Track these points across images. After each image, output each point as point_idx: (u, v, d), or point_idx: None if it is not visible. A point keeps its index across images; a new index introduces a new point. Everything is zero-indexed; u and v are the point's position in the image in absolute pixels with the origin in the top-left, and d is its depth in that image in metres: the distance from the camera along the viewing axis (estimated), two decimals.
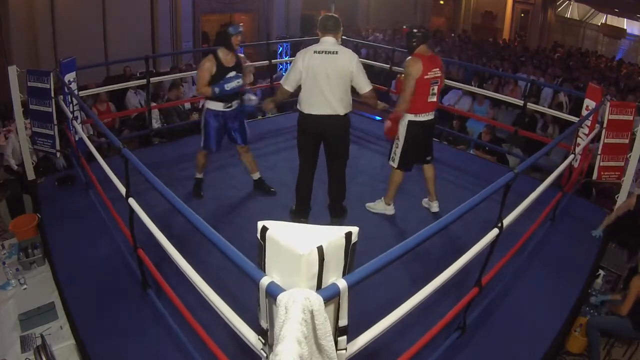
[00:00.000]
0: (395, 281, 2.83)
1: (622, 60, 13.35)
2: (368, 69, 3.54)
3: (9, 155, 5.28)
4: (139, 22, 10.57)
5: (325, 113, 3.33)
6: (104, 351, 2.53)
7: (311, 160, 3.56)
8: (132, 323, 2.71)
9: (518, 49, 13.72)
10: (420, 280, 2.03)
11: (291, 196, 3.78)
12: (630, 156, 4.09)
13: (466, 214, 1.96)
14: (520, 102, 5.11)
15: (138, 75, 8.24)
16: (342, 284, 1.34)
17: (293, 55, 10.27)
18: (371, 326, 1.70)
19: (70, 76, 4.33)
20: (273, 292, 1.29)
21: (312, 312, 1.19)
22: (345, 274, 1.40)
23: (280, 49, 10.68)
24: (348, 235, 1.37)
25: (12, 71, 4.03)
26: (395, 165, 3.70)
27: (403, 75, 3.75)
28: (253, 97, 3.88)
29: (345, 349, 1.44)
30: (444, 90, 7.27)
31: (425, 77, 3.43)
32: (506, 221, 2.36)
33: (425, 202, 4.03)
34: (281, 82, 3.43)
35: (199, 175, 4.09)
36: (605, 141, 4.15)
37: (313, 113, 3.34)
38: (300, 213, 3.69)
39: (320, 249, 1.27)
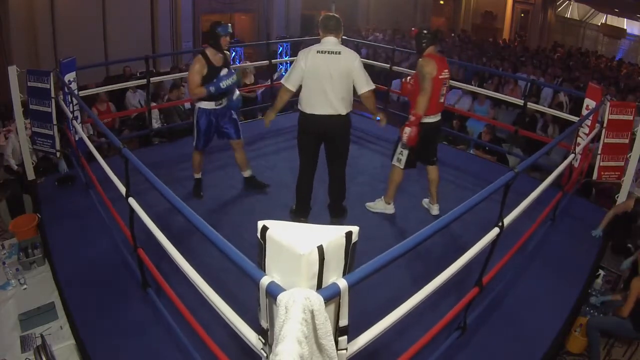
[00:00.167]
0: (396, 281, 2.83)
1: (622, 60, 13.36)
2: (368, 69, 3.53)
3: (9, 155, 5.27)
4: (139, 22, 10.58)
5: (327, 113, 3.32)
6: (104, 351, 2.53)
7: (312, 160, 3.56)
8: (132, 323, 2.71)
9: (518, 49, 13.72)
10: (420, 280, 2.03)
11: (291, 196, 3.78)
12: (630, 156, 4.09)
13: (466, 213, 1.96)
14: (521, 102, 5.11)
15: (138, 75, 8.24)
16: (343, 283, 1.34)
17: (293, 55, 10.27)
18: (371, 326, 1.70)
19: (70, 76, 4.33)
20: (273, 292, 1.29)
21: (312, 312, 1.19)
22: (345, 273, 1.40)
23: (280, 49, 10.66)
24: (348, 234, 1.37)
25: (12, 71, 4.03)
26: (401, 165, 3.69)
27: (409, 78, 3.71)
28: (237, 93, 3.90)
29: (346, 348, 1.44)
30: None
31: (440, 76, 3.43)
32: (506, 221, 2.36)
33: (425, 202, 4.03)
34: (282, 81, 3.42)
35: (197, 176, 4.09)
36: (605, 141, 4.16)
37: (315, 113, 3.34)
38: (301, 213, 3.69)
39: (320, 249, 1.27)
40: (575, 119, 4.67)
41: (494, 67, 10.07)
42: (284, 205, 3.87)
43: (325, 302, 1.23)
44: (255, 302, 1.43)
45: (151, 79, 5.21)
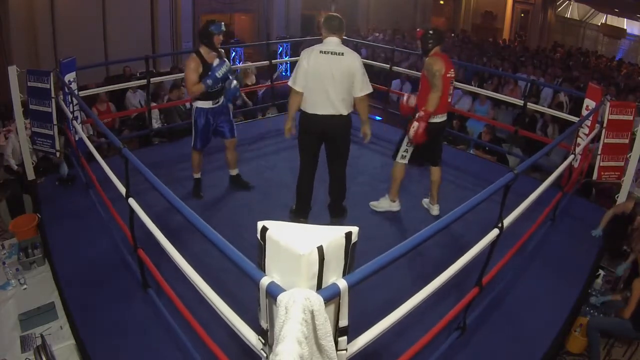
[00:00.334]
0: (395, 281, 2.83)
1: (622, 60, 13.35)
2: (368, 69, 3.53)
3: (9, 155, 5.27)
4: (139, 22, 10.58)
5: (328, 113, 3.32)
6: (104, 351, 2.53)
7: (312, 160, 3.56)
8: (132, 323, 2.71)
9: (518, 49, 13.72)
10: (420, 281, 2.03)
11: (291, 196, 3.78)
12: (630, 156, 4.09)
13: (466, 214, 1.96)
14: (520, 102, 5.11)
15: (138, 75, 8.25)
16: (343, 284, 1.34)
17: (293, 55, 10.28)
18: (371, 326, 1.70)
19: (70, 76, 4.33)
20: (273, 292, 1.29)
21: (312, 312, 1.19)
22: (345, 274, 1.40)
23: (280, 49, 10.68)
24: (348, 235, 1.37)
25: (12, 71, 4.03)
26: (405, 161, 3.69)
27: (406, 96, 3.69)
28: (235, 82, 3.89)
29: (346, 349, 1.44)
30: None
31: (448, 75, 3.44)
32: (506, 221, 2.36)
33: (425, 203, 4.03)
34: (290, 84, 3.37)
35: (196, 176, 4.09)
36: (605, 141, 4.16)
37: (316, 113, 3.33)
38: (301, 213, 3.69)
39: (320, 249, 1.27)
40: (575, 119, 4.67)
41: (494, 67, 10.06)
42: (284, 205, 3.87)
43: (325, 303, 1.23)
44: (255, 302, 1.43)
45: (151, 79, 5.21)
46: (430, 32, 3.53)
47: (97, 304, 2.87)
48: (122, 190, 2.60)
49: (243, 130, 5.47)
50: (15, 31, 8.75)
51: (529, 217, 3.01)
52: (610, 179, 4.28)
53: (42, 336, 2.63)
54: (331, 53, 3.24)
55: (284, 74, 9.56)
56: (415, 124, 3.45)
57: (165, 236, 2.26)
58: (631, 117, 4.12)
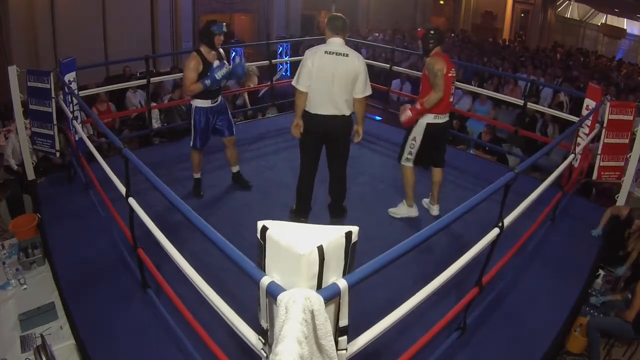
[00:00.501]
0: (395, 281, 2.83)
1: (622, 60, 13.35)
2: (368, 69, 3.53)
3: (9, 155, 5.28)
4: (139, 22, 10.57)
5: (331, 113, 3.33)
6: (104, 351, 2.53)
7: (313, 160, 3.56)
8: (132, 323, 2.71)
9: (518, 49, 13.72)
10: (420, 280, 2.03)
11: (291, 196, 3.78)
12: (630, 156, 4.09)
13: (466, 213, 1.96)
14: (521, 102, 5.11)
15: (138, 75, 8.24)
16: (343, 283, 1.34)
17: (293, 55, 10.26)
18: (371, 326, 1.70)
19: (70, 76, 4.33)
20: (273, 292, 1.29)
21: (312, 312, 1.19)
22: (345, 273, 1.40)
23: (280, 49, 10.65)
24: (348, 234, 1.37)
25: (12, 71, 4.03)
26: (410, 164, 3.68)
27: (407, 107, 3.70)
28: (242, 61, 3.88)
29: (346, 349, 1.44)
30: None
31: (449, 75, 3.44)
32: (507, 221, 2.36)
33: (425, 202, 4.02)
34: (293, 84, 3.35)
35: (197, 175, 4.09)
36: (605, 141, 4.15)
37: (319, 113, 3.33)
38: (301, 213, 3.69)
39: (320, 249, 1.27)
40: (575, 119, 4.67)
41: (493, 67, 10.06)
42: (284, 205, 3.87)
43: (325, 302, 1.23)
44: (255, 302, 1.43)
45: (151, 79, 5.21)
46: (431, 32, 3.53)
47: (97, 304, 2.87)
48: (122, 190, 2.60)
49: (243, 130, 5.47)
50: (15, 31, 8.74)
51: (529, 216, 3.00)
52: (610, 179, 4.28)
53: (42, 336, 2.63)
54: (336, 54, 3.24)
55: (284, 74, 9.55)
56: (409, 112, 3.48)
57: (165, 236, 2.26)
58: (631, 117, 4.11)
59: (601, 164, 4.21)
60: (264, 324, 1.44)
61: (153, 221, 2.37)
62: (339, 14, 3.39)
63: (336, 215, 3.72)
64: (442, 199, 3.95)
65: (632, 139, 4.10)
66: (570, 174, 4.08)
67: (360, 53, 3.47)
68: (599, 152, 4.19)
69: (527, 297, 3.05)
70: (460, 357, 2.55)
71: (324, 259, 1.28)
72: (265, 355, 1.50)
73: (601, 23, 16.40)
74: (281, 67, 10.14)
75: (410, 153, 3.66)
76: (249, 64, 5.86)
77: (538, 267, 3.35)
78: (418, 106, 3.46)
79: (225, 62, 3.78)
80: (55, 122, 4.28)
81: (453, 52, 10.95)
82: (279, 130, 5.55)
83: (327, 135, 3.43)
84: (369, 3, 16.00)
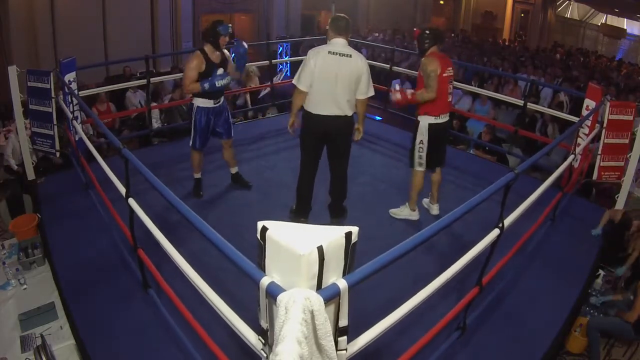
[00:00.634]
0: (396, 281, 2.83)
1: (622, 60, 13.35)
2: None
3: (9, 155, 5.28)
4: (139, 22, 10.56)
5: (333, 114, 3.33)
6: (104, 351, 2.53)
7: (314, 160, 3.56)
8: (132, 323, 2.71)
9: (518, 49, 13.72)
10: (420, 281, 2.03)
11: (291, 196, 3.78)
12: (630, 156, 4.09)
13: (466, 214, 1.96)
14: (521, 102, 5.11)
15: (138, 75, 8.24)
16: (342, 284, 1.34)
17: (293, 55, 10.25)
18: (371, 326, 1.70)
19: (70, 76, 4.33)
20: (273, 292, 1.29)
21: (312, 312, 1.19)
22: (345, 274, 1.40)
23: (280, 49, 10.66)
24: (348, 235, 1.37)
25: (12, 71, 4.03)
26: (423, 168, 3.68)
27: (397, 87, 3.72)
28: (245, 45, 3.87)
29: (346, 349, 1.44)
30: None
31: (444, 75, 3.43)
32: (507, 221, 2.36)
33: (425, 202, 4.02)
34: (294, 82, 3.36)
35: (197, 175, 4.09)
36: (605, 141, 4.15)
37: (321, 113, 3.33)
38: (301, 213, 3.69)
39: (320, 249, 1.27)
40: (575, 119, 4.67)
41: (493, 67, 10.06)
42: (284, 205, 3.87)
43: (325, 303, 1.23)
44: (255, 302, 1.43)
45: (151, 79, 5.21)
46: (427, 31, 3.52)
47: (97, 304, 2.87)
48: (122, 190, 2.60)
49: (243, 130, 5.47)
50: (15, 31, 8.74)
51: (529, 217, 3.00)
52: (610, 179, 4.28)
53: (42, 336, 2.63)
54: (339, 54, 3.24)
55: (287, 74, 9.56)
56: (398, 95, 3.52)
57: (165, 236, 2.26)
58: (631, 117, 4.11)
59: (601, 164, 4.21)
60: (264, 324, 1.44)
61: (153, 221, 2.38)
62: (342, 15, 3.39)
63: (336, 216, 3.72)
64: (442, 199, 3.95)
65: (632, 139, 4.10)
66: (571, 174, 4.08)
67: (360, 53, 3.48)
68: (599, 152, 4.19)
69: (527, 297, 3.05)
70: (460, 357, 2.55)
71: (323, 259, 1.28)
72: (265, 355, 1.50)
73: (601, 23, 16.39)
74: (281, 67, 10.14)
75: (420, 157, 3.66)
76: (249, 64, 5.86)
77: (538, 267, 3.35)
78: (409, 95, 3.50)
79: (228, 74, 3.75)
80: (55, 122, 4.28)
81: (453, 52, 10.95)
82: (279, 130, 5.55)
83: (328, 136, 3.43)
84: (369, 3, 16.00)
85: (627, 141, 4.15)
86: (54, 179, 4.47)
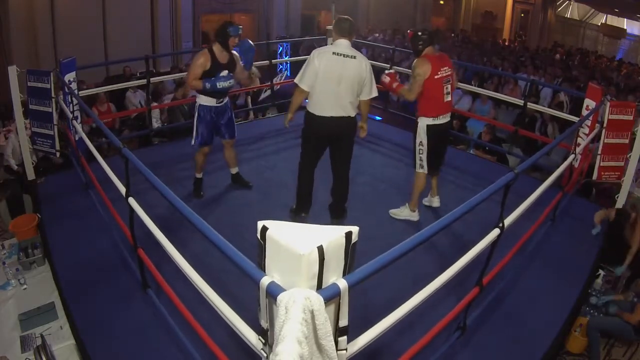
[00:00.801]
0: (396, 281, 2.83)
1: (622, 60, 13.35)
2: None
3: (9, 155, 5.28)
4: (139, 22, 10.57)
5: (337, 115, 3.33)
6: (104, 351, 2.53)
7: (314, 160, 3.57)
8: (132, 323, 2.71)
9: (518, 49, 13.72)
10: (420, 281, 2.03)
11: (291, 196, 3.79)
12: (630, 156, 4.09)
13: (467, 214, 1.96)
14: (521, 102, 5.11)
15: (138, 75, 8.24)
16: (343, 283, 1.33)
17: (293, 55, 10.26)
18: (371, 326, 1.70)
19: (70, 76, 4.33)
20: (273, 292, 1.29)
21: (312, 312, 1.19)
22: (345, 273, 1.40)
23: (280, 49, 10.68)
24: (348, 235, 1.37)
25: (12, 71, 4.03)
26: (424, 170, 3.68)
27: (388, 72, 3.76)
28: (250, 42, 3.87)
29: (346, 349, 1.44)
30: None
31: (436, 76, 3.42)
32: (507, 221, 2.36)
33: (426, 200, 4.03)
34: (296, 81, 3.36)
35: (198, 175, 4.09)
36: (605, 141, 4.15)
37: (325, 115, 3.33)
38: (302, 208, 3.70)
39: (320, 249, 1.27)
40: (575, 119, 4.67)
41: (493, 67, 10.06)
42: (284, 205, 3.87)
43: (325, 303, 1.23)
44: (255, 302, 1.43)
45: (151, 79, 5.21)
46: (419, 33, 3.50)
47: (97, 304, 2.87)
48: (122, 190, 2.60)
49: (243, 130, 5.46)
50: (15, 31, 8.74)
51: (529, 217, 3.00)
52: (610, 179, 4.28)
53: (42, 336, 2.63)
54: (344, 55, 3.25)
55: (289, 75, 9.56)
56: (387, 78, 3.63)
57: (165, 236, 2.26)
58: (631, 117, 4.11)
59: (601, 164, 4.20)
60: (264, 324, 1.44)
61: (153, 221, 2.37)
62: (346, 17, 3.40)
63: (337, 217, 3.72)
64: (442, 199, 3.97)
65: (632, 139, 4.10)
66: (571, 174, 4.08)
67: (361, 52, 3.49)
68: (599, 152, 4.19)
69: (527, 297, 3.05)
70: (460, 357, 2.55)
71: (324, 259, 1.28)
72: (265, 355, 1.50)
73: (601, 23, 16.39)
74: (281, 67, 10.14)
75: (421, 159, 3.66)
76: (253, 69, 5.87)
77: (538, 267, 3.35)
78: (395, 85, 3.59)
79: (232, 75, 3.74)
80: (55, 122, 4.28)
81: (453, 52, 10.95)
82: (279, 131, 5.55)
83: (332, 137, 3.44)
84: (369, 3, 16.00)
85: (627, 141, 4.15)
86: (54, 179, 4.47)
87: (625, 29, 15.71)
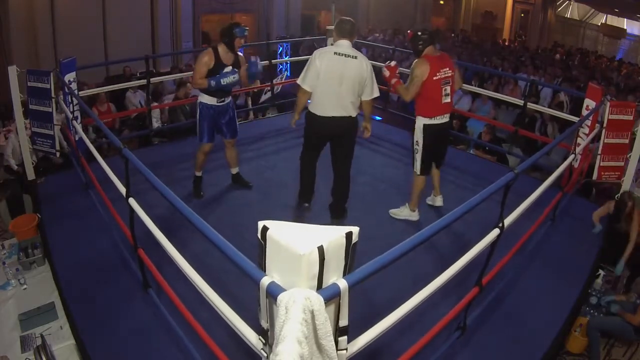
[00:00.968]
0: (396, 281, 2.83)
1: (622, 60, 13.35)
2: None
3: (9, 155, 5.28)
4: (139, 22, 10.57)
5: (338, 115, 3.34)
6: (104, 351, 2.53)
7: (315, 156, 3.61)
8: (132, 323, 2.71)
9: (518, 49, 13.72)
10: (420, 280, 2.03)
11: (291, 196, 3.79)
12: (630, 156, 4.09)
13: (467, 214, 1.96)
14: (521, 102, 5.11)
15: (138, 75, 8.25)
16: (343, 284, 1.34)
17: (293, 55, 10.25)
18: (371, 326, 1.70)
19: (70, 76, 4.33)
20: (273, 292, 1.29)
21: (312, 312, 1.19)
22: (345, 274, 1.40)
23: (280, 49, 10.67)
24: (348, 235, 1.37)
25: (12, 71, 4.03)
26: (418, 172, 3.68)
27: (389, 64, 3.75)
28: (255, 59, 3.88)
29: (346, 349, 1.44)
30: None
31: (435, 78, 3.40)
32: (507, 221, 2.36)
33: (429, 199, 4.03)
34: (299, 82, 3.38)
35: (198, 174, 4.09)
36: (605, 141, 4.15)
37: (326, 115, 3.34)
38: (303, 197, 3.74)
39: (320, 249, 1.27)
40: (575, 119, 4.67)
41: (493, 67, 10.06)
42: (284, 205, 3.87)
43: (325, 303, 1.23)
44: (256, 302, 1.43)
45: (151, 79, 5.21)
46: (419, 33, 3.48)
47: (97, 304, 2.87)
48: (122, 190, 2.60)
49: (243, 130, 5.43)
50: (15, 31, 8.74)
51: (529, 217, 3.00)
52: (610, 179, 4.28)
53: (42, 336, 2.63)
54: (345, 55, 3.27)
55: (289, 74, 9.55)
56: (387, 72, 3.59)
57: (165, 236, 2.26)
58: (631, 117, 4.11)
59: (601, 164, 4.21)
60: (264, 324, 1.44)
61: (153, 221, 2.37)
62: (347, 18, 3.42)
63: (337, 217, 3.72)
64: (442, 198, 3.96)
65: (632, 139, 4.10)
66: (571, 174, 4.08)
67: (361, 52, 3.49)
68: (599, 152, 4.19)
69: (527, 297, 3.05)
70: (460, 357, 2.55)
71: (324, 259, 1.28)
72: (265, 355, 1.50)
73: (601, 23, 16.39)
74: (281, 67, 10.13)
75: (415, 159, 3.66)
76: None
77: (538, 267, 3.35)
78: (393, 80, 3.57)
79: (237, 71, 3.74)
80: (55, 122, 4.28)
81: (453, 52, 10.94)
82: (279, 131, 5.55)
83: (334, 136, 3.46)
84: (369, 3, 15.99)
85: (627, 141, 4.15)
86: (54, 179, 4.47)
87: (625, 29, 15.71)
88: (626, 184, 4.18)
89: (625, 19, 15.55)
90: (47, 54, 9.14)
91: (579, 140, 4.13)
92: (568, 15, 16.98)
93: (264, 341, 1.48)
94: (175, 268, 2.10)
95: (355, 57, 3.28)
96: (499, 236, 2.32)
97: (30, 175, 4.40)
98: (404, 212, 3.83)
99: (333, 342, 1.26)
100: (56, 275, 3.14)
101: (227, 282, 2.72)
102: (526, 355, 2.64)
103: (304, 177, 3.70)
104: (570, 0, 16.35)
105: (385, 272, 1.54)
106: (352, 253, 1.40)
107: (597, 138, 4.18)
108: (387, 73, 3.60)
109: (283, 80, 7.62)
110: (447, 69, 3.47)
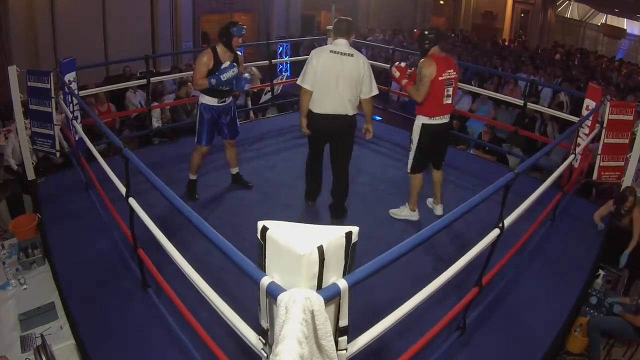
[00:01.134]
0: (395, 281, 2.83)
1: (622, 60, 13.35)
2: None
3: (9, 155, 5.28)
4: (139, 22, 10.57)
5: (336, 112, 3.36)
6: (104, 351, 2.53)
7: (318, 154, 3.64)
8: (132, 323, 2.71)
9: (518, 49, 13.72)
10: (420, 281, 2.03)
11: (291, 196, 3.79)
12: (630, 156, 4.09)
13: (467, 214, 1.96)
14: (521, 102, 5.11)
15: (138, 75, 8.24)
16: (343, 284, 1.34)
17: (293, 55, 10.25)
18: (371, 326, 1.70)
19: (70, 76, 4.33)
20: (273, 292, 1.29)
21: (312, 312, 1.19)
22: (345, 274, 1.40)
23: (280, 49, 10.67)
24: (348, 235, 1.37)
25: (12, 71, 4.03)
26: (408, 170, 3.68)
27: (398, 64, 3.75)
28: (247, 75, 3.90)
29: (346, 349, 1.44)
30: None
31: (440, 78, 3.40)
32: (507, 221, 2.36)
33: (429, 202, 4.02)
34: (299, 82, 3.40)
35: (193, 177, 4.02)
36: (605, 141, 4.15)
37: (323, 112, 3.37)
38: (308, 195, 3.80)
39: (320, 249, 1.27)
40: (575, 119, 4.67)
41: (493, 67, 10.05)
42: (284, 205, 3.87)
43: (325, 303, 1.23)
44: (256, 302, 1.43)
45: (151, 79, 5.21)
46: (426, 32, 3.48)
47: (97, 304, 2.87)
48: (122, 190, 2.60)
49: (243, 130, 5.42)
50: (15, 31, 8.74)
51: (529, 217, 3.00)
52: (610, 179, 4.28)
53: (42, 336, 2.63)
54: (341, 54, 3.29)
55: (289, 74, 9.55)
56: (397, 72, 3.56)
57: (166, 236, 2.26)
58: (631, 117, 4.11)
59: (601, 164, 4.21)
60: (264, 324, 1.44)
61: (153, 221, 2.37)
62: (345, 18, 3.45)
63: (337, 216, 3.72)
64: (443, 199, 3.96)
65: (632, 139, 4.10)
66: (571, 174, 4.08)
67: (361, 52, 3.50)
68: (599, 152, 4.19)
69: (527, 297, 3.05)
70: (460, 357, 2.55)
71: (324, 259, 1.28)
72: (265, 355, 1.50)
73: (601, 23, 16.39)
74: (281, 67, 10.13)
75: (409, 157, 3.66)
76: (250, 63, 5.85)
77: (538, 267, 3.35)
78: (404, 82, 3.54)
79: (236, 65, 3.73)
80: (55, 122, 4.28)
81: (453, 53, 10.94)
82: (279, 130, 5.55)
83: (332, 134, 3.47)
84: (369, 3, 16.00)
85: (627, 141, 4.15)
86: (54, 179, 4.47)
87: (625, 29, 15.71)
88: (626, 184, 4.18)
89: (625, 19, 15.55)
90: (47, 54, 9.14)
91: (579, 140, 4.13)
92: (568, 15, 16.98)
93: (264, 341, 1.48)
94: (175, 268, 2.10)
95: (352, 55, 3.30)
96: (499, 236, 2.32)
97: (31, 175, 4.41)
98: (404, 212, 3.83)
99: (333, 342, 1.26)
100: (56, 275, 3.14)
101: (227, 282, 2.72)
102: (526, 355, 2.64)
103: (308, 175, 3.77)
104: (570, 0, 16.35)
105: (385, 272, 1.54)
106: (352, 253, 1.40)
107: (597, 138, 4.18)
108: (397, 74, 3.57)
109: (284, 77, 7.63)
110: (452, 70, 3.48)
